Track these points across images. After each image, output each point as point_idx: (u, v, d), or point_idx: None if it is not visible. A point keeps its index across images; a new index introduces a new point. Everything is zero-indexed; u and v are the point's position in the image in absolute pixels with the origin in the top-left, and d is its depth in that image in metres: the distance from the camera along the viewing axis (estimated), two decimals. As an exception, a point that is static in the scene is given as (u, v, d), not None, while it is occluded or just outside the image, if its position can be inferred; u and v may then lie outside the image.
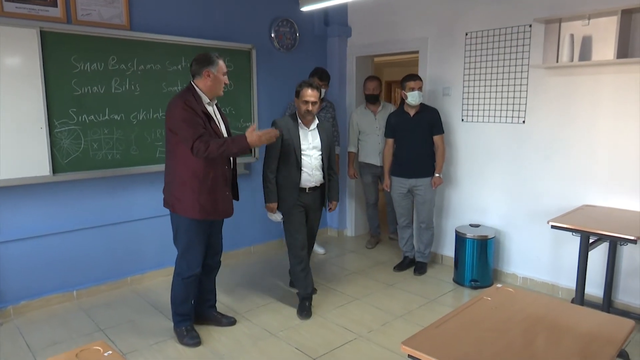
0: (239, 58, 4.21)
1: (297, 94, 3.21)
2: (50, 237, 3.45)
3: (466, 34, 4.01)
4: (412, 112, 3.95)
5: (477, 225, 4.00)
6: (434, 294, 3.75)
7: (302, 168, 3.23)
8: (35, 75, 3.17)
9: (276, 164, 3.23)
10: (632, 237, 2.63)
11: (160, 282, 3.90)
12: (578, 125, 3.45)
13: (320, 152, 3.30)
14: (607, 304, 3.23)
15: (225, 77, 2.87)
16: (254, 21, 4.43)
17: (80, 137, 3.42)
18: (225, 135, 2.93)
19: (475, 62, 3.98)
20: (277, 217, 3.35)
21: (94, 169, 3.50)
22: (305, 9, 4.31)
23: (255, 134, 2.71)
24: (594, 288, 3.39)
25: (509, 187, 3.89)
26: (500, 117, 3.87)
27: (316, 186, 3.34)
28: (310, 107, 3.17)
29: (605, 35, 3.21)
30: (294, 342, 3.00)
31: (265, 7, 4.50)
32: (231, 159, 2.98)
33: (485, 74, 3.93)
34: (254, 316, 3.34)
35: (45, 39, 3.20)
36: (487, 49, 3.89)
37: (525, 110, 3.71)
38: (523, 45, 3.67)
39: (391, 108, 4.55)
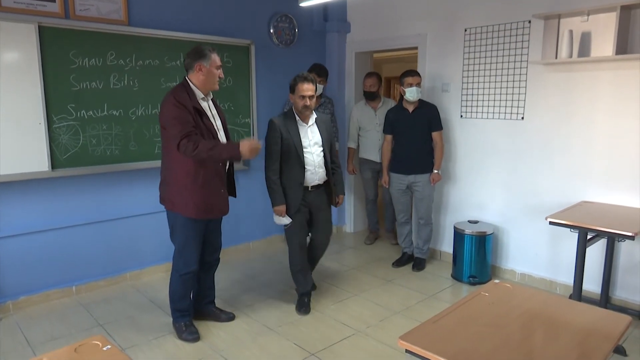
0: (237, 53, 4.21)
1: (292, 89, 3.10)
2: (49, 232, 3.45)
3: (465, 30, 4.00)
4: (410, 109, 3.95)
5: (476, 222, 4.01)
6: (432, 290, 3.76)
7: (306, 166, 3.14)
8: (33, 70, 3.16)
9: (278, 164, 3.13)
10: (629, 233, 2.64)
11: (159, 277, 3.91)
12: (577, 121, 3.45)
13: (322, 148, 3.22)
14: (605, 300, 3.24)
15: (220, 71, 2.82)
16: (252, 16, 4.42)
17: (79, 133, 3.42)
18: (221, 131, 2.90)
19: (474, 58, 3.98)
20: (286, 220, 3.20)
21: (92, 164, 3.50)
22: (304, 4, 4.29)
23: (248, 144, 2.64)
24: (592, 284, 3.41)
25: (507, 183, 3.90)
26: (499, 113, 3.87)
27: (319, 184, 3.26)
28: (307, 102, 3.07)
29: (604, 31, 3.21)
30: (293, 337, 3.01)
31: (264, 3, 4.49)
32: None
33: (484, 70, 3.92)
34: (253, 312, 3.35)
35: (44, 34, 3.19)
36: (486, 45, 3.89)
37: (524, 107, 3.71)
38: (522, 41, 3.66)
39: (392, 104, 4.54)
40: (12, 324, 3.16)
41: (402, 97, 4.00)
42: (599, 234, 2.87)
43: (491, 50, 3.86)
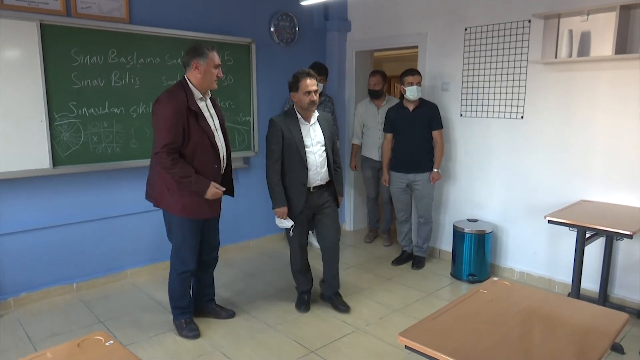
0: (238, 52, 4.21)
1: (295, 87, 3.00)
2: (50, 229, 3.46)
3: (465, 29, 4.01)
4: (411, 107, 3.96)
5: (475, 220, 4.02)
6: (431, 288, 3.77)
7: (308, 166, 3.06)
8: (35, 68, 3.17)
9: (279, 164, 3.05)
10: (628, 232, 2.65)
11: (159, 275, 3.92)
12: (576, 120, 3.46)
13: (324, 147, 3.14)
14: (603, 298, 3.26)
15: (218, 70, 2.77)
16: (253, 15, 4.42)
17: (80, 130, 3.43)
18: (219, 131, 2.87)
19: (474, 57, 3.99)
20: (287, 223, 3.11)
21: (93, 162, 3.51)
22: (305, 3, 4.31)
23: (214, 191, 2.74)
24: (590, 283, 3.42)
25: (506, 182, 3.91)
26: (499, 112, 3.88)
27: (322, 184, 3.17)
28: (314, 97, 2.98)
29: (603, 30, 3.22)
30: (293, 334, 3.02)
31: (265, 1, 4.49)
32: (224, 155, 2.92)
33: (484, 69, 3.93)
34: (253, 309, 3.36)
35: (45, 32, 3.20)
36: (486, 44, 3.90)
37: (523, 106, 3.72)
38: (522, 40, 3.67)
39: (396, 103, 4.55)
40: (13, 320, 3.17)
41: (402, 96, 4.01)
42: (597, 233, 2.89)
43: (491, 50, 3.87)
